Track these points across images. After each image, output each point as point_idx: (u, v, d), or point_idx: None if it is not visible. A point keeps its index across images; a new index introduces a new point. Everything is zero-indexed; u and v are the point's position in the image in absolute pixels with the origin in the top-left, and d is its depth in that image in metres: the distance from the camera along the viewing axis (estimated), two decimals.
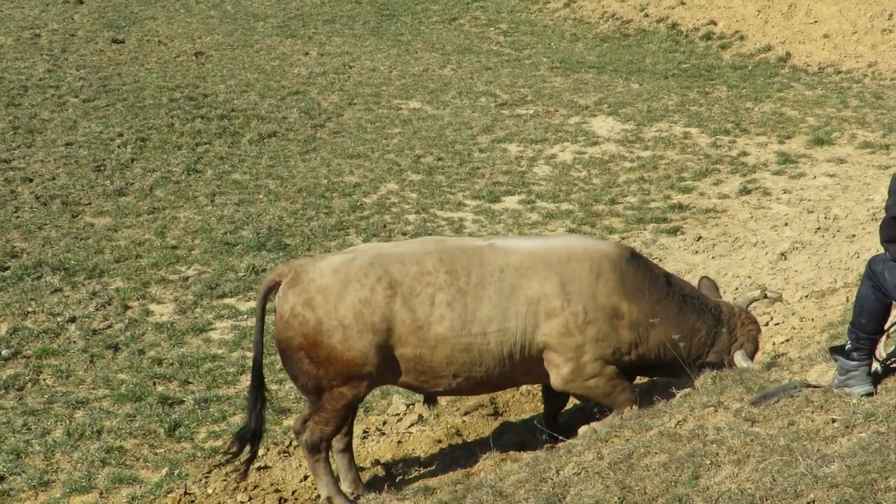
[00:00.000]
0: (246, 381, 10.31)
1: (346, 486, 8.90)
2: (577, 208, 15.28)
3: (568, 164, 16.98)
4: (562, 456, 7.40)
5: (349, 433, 8.96)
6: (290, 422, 10.12)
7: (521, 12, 27.13)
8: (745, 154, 17.18)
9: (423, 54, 23.28)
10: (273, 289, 8.51)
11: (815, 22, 23.09)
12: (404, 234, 14.39)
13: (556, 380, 8.54)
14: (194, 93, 19.62)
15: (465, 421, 10.09)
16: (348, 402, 8.41)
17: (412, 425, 10.08)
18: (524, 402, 10.28)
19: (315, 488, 8.86)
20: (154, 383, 11.01)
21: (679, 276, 9.58)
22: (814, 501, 5.60)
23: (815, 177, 16.23)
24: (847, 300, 10.81)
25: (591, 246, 8.71)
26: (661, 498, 6.13)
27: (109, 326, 12.05)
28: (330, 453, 8.71)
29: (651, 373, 9.24)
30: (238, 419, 10.17)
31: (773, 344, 10.48)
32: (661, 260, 13.17)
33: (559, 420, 9.42)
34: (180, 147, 17.22)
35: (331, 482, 8.59)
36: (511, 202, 15.61)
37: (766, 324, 11.04)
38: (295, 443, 9.47)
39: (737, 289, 12.23)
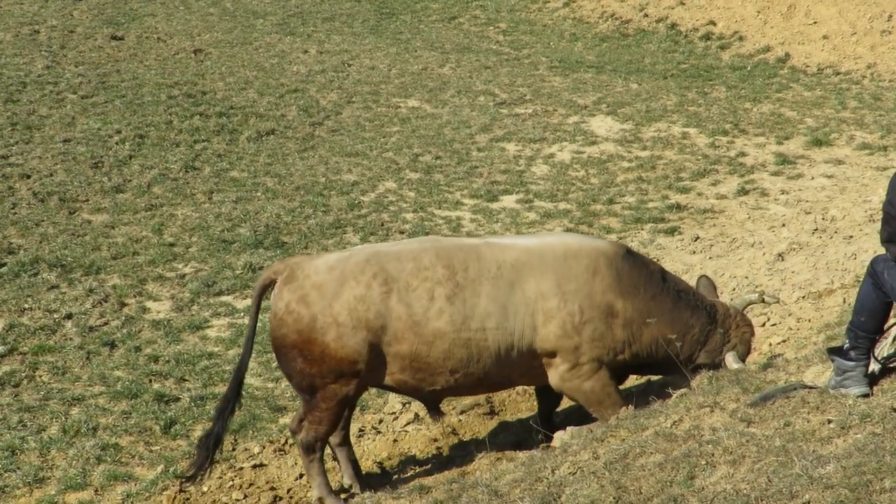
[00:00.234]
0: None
1: (346, 480, 8.93)
2: (574, 208, 15.27)
3: (566, 163, 16.97)
4: (557, 455, 7.39)
5: (345, 427, 8.96)
6: (285, 420, 10.12)
7: (521, 11, 27.12)
8: (743, 154, 17.17)
9: (423, 53, 23.27)
10: (268, 287, 8.52)
11: (815, 23, 23.08)
12: (402, 232, 14.39)
13: (553, 378, 8.56)
14: (193, 90, 19.62)
15: (461, 420, 10.09)
16: (341, 400, 8.40)
17: (408, 424, 10.08)
18: (520, 402, 10.28)
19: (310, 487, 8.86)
20: (150, 380, 11.00)
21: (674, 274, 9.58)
22: (809, 502, 5.60)
23: (813, 178, 16.22)
24: (844, 301, 10.81)
25: (587, 244, 8.72)
26: (656, 498, 6.13)
27: (106, 323, 12.04)
28: (328, 452, 8.71)
29: (644, 371, 9.24)
30: (235, 417, 10.15)
31: (770, 345, 10.48)
32: (658, 260, 13.15)
33: (554, 420, 9.42)
34: (178, 144, 17.21)
35: (323, 483, 8.59)
36: (509, 201, 15.61)
37: (763, 324, 11.04)
38: (290, 441, 9.47)
39: (734, 289, 12.22)
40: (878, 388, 6.81)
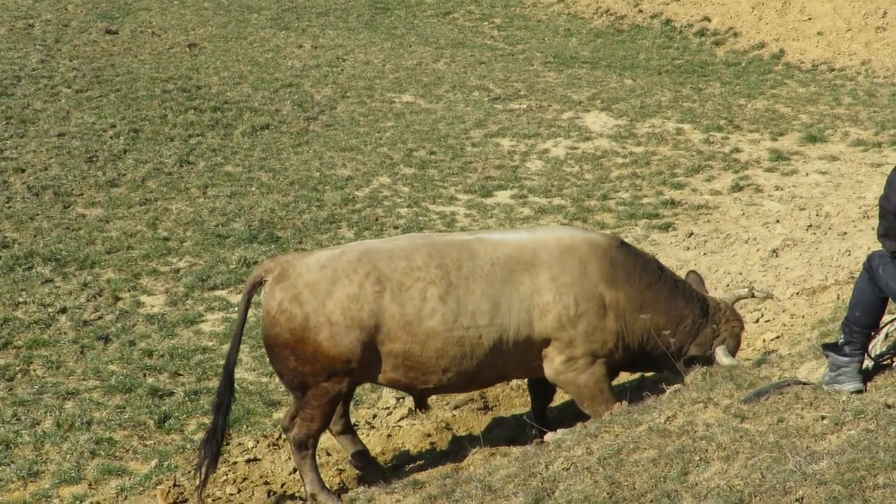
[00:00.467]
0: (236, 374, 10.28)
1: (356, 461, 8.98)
2: (569, 203, 15.28)
3: (560, 159, 16.98)
4: (551, 451, 7.39)
5: (344, 415, 8.96)
6: (279, 414, 10.12)
7: (515, 7, 27.11)
8: (737, 151, 17.19)
9: (417, 48, 23.26)
10: (258, 285, 8.47)
11: (809, 19, 23.11)
12: (396, 227, 14.39)
13: (549, 371, 8.57)
14: (187, 84, 19.58)
15: (455, 415, 10.09)
16: (333, 398, 8.39)
17: (402, 419, 10.08)
18: (514, 397, 10.29)
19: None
20: (144, 375, 11.00)
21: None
22: (802, 498, 5.61)
23: (807, 174, 16.25)
24: (838, 298, 10.83)
25: (580, 236, 8.72)
26: (649, 493, 6.13)
27: (100, 317, 12.03)
28: (320, 448, 8.71)
29: (637, 367, 9.24)
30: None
31: (764, 341, 10.50)
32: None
33: (548, 415, 9.42)
34: (173, 139, 17.18)
35: (316, 479, 8.58)
36: (503, 197, 15.61)
37: (757, 321, 11.06)
38: (284, 436, 9.47)
39: (727, 285, 12.24)
40: (872, 384, 6.82)
